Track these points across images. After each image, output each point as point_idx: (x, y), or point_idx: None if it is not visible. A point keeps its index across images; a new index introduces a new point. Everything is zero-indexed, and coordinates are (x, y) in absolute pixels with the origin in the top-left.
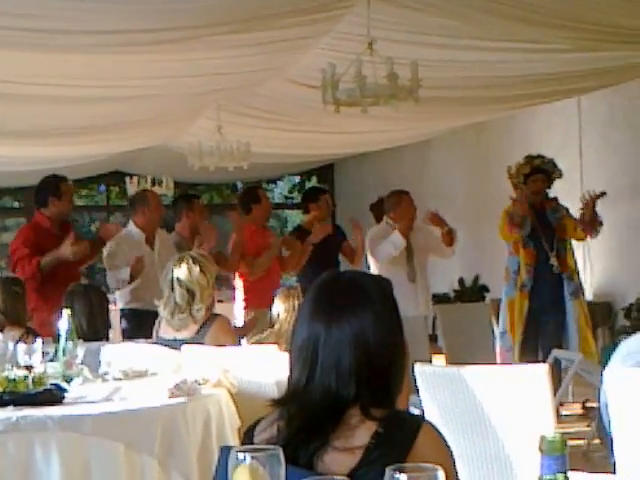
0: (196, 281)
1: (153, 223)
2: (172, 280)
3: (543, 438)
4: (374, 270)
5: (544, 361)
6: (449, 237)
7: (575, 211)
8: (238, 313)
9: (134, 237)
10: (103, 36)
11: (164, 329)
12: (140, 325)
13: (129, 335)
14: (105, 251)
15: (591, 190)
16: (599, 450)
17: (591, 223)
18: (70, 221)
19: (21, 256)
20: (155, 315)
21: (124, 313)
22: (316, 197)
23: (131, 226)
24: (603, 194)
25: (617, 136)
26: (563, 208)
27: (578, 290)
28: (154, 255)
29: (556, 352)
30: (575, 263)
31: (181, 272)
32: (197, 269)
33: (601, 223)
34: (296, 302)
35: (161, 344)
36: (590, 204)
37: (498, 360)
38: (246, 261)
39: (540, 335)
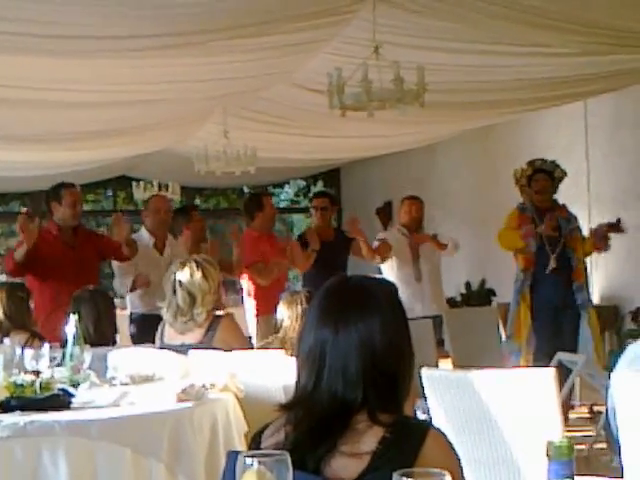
0: (197, 285)
1: (160, 227)
2: (174, 283)
3: (550, 443)
4: (383, 269)
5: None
6: (437, 244)
7: (583, 215)
8: (249, 320)
9: (144, 241)
10: (109, 41)
11: (170, 335)
12: (148, 329)
13: (137, 339)
14: None
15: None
16: (603, 454)
17: (604, 238)
18: (83, 227)
19: (6, 254)
20: (158, 319)
21: (133, 317)
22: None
23: (142, 230)
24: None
25: (624, 139)
26: (575, 220)
27: (587, 302)
28: (162, 260)
29: (560, 355)
30: (586, 276)
31: (183, 275)
32: (199, 273)
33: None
34: (300, 308)
35: (169, 350)
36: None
37: (504, 364)
38: (256, 268)
39: (558, 335)
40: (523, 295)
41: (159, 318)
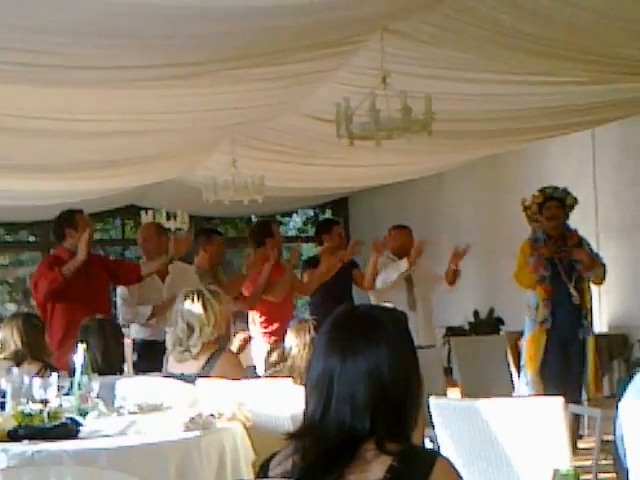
0: (196, 316)
1: (148, 255)
2: (177, 312)
3: (557, 472)
4: (374, 298)
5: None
6: (454, 277)
7: (592, 243)
8: (258, 348)
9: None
10: (117, 71)
11: (172, 364)
12: (150, 356)
13: (140, 366)
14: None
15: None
16: None
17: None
18: (92, 253)
19: (40, 274)
20: (162, 345)
21: (135, 344)
22: (328, 228)
23: (144, 258)
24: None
25: (631, 167)
26: (587, 245)
27: (589, 329)
28: (162, 287)
29: (573, 408)
30: (590, 301)
31: (184, 306)
32: (199, 304)
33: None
34: (308, 336)
35: (171, 378)
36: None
37: (516, 393)
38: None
39: (568, 368)
40: (542, 327)
41: (161, 345)
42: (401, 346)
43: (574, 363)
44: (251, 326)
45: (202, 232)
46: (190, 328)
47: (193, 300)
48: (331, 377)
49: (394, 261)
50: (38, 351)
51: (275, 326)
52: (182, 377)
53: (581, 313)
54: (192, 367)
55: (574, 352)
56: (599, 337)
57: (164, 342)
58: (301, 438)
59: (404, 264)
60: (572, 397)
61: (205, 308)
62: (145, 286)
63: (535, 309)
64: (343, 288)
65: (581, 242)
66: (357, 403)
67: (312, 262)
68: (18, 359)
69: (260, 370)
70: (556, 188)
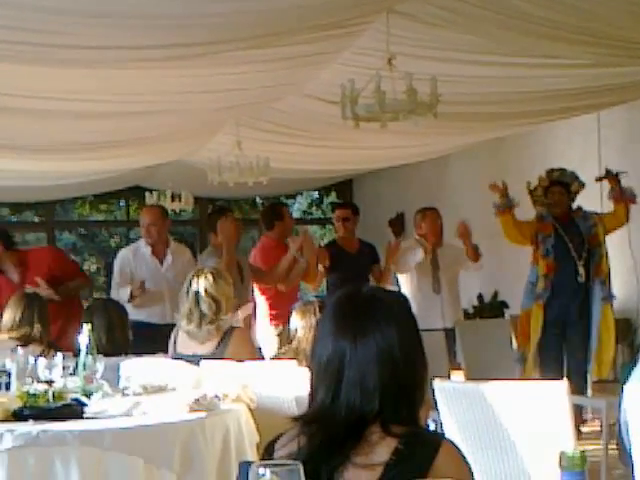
0: (222, 291)
1: (149, 239)
2: (196, 292)
3: (563, 454)
4: (401, 280)
5: (569, 375)
6: (474, 253)
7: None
8: (261, 329)
9: (141, 250)
10: (122, 51)
11: (183, 344)
12: (142, 338)
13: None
14: (115, 266)
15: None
16: (618, 468)
17: (623, 193)
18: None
19: None
20: (156, 328)
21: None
22: (333, 211)
23: (141, 239)
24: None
25: (637, 151)
26: (593, 214)
27: (608, 296)
28: (161, 269)
29: (577, 399)
30: (609, 269)
31: (205, 283)
32: (222, 280)
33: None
34: (313, 318)
35: (181, 360)
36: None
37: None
38: (260, 274)
39: (566, 348)
40: (538, 303)
41: (154, 327)
42: (408, 328)
43: (574, 347)
44: (257, 309)
45: (210, 216)
46: (217, 303)
47: (213, 277)
48: (342, 361)
49: (418, 245)
50: (42, 332)
51: (281, 309)
52: (194, 357)
53: (589, 290)
54: (205, 347)
55: (573, 335)
56: None
57: (160, 325)
58: (311, 422)
59: (420, 254)
60: (573, 384)
61: (227, 283)
62: (142, 269)
63: (532, 284)
64: (362, 272)
65: (585, 214)
66: (367, 386)
67: (332, 247)
68: (26, 340)
69: (266, 352)
70: (563, 172)
